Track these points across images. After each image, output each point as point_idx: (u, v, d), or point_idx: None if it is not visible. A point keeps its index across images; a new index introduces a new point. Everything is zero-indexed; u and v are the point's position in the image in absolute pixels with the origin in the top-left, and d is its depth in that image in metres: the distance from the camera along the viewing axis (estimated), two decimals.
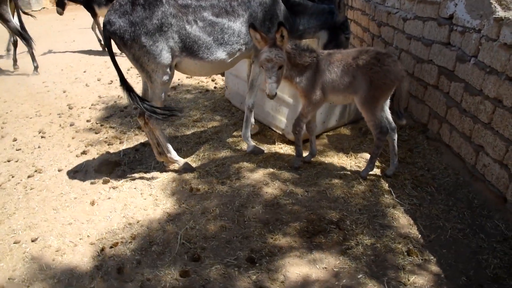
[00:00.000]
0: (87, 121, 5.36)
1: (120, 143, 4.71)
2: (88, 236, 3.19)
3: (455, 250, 2.77)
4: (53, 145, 4.77)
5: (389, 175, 3.62)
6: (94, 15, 9.19)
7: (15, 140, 4.92)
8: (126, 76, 3.93)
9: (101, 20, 9.29)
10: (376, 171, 3.75)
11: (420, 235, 2.91)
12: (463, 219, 3.06)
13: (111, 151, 4.53)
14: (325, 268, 2.66)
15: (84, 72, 7.46)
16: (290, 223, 3.12)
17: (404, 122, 3.57)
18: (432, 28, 4.07)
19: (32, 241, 3.17)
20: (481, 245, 2.80)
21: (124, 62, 5.45)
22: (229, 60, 3.66)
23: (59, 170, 4.19)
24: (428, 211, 3.16)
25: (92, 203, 3.59)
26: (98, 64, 8.05)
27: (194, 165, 4.07)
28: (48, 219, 3.43)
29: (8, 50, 8.82)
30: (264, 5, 3.67)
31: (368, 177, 3.65)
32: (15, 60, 8.00)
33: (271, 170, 3.86)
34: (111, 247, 3.04)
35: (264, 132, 4.63)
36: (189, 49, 3.41)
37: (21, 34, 7.53)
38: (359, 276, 2.58)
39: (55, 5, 9.99)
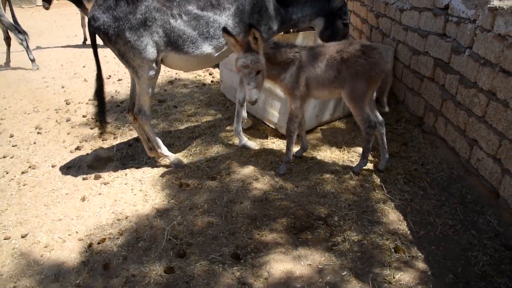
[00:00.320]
0: (83, 116, 5.37)
1: (114, 138, 4.70)
2: (76, 232, 3.19)
3: (444, 246, 2.70)
4: (49, 141, 4.79)
5: (381, 169, 3.56)
6: (84, 10, 9.16)
7: (11, 136, 4.95)
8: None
9: None
10: (369, 165, 3.68)
11: (409, 231, 2.85)
12: (455, 214, 2.99)
13: (105, 146, 4.53)
14: (310, 264, 2.62)
15: (84, 67, 7.46)
16: (278, 219, 3.08)
17: (387, 109, 3.49)
18: (428, 19, 3.96)
19: (22, 237, 3.18)
20: (471, 241, 2.73)
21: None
22: (216, 54, 3.61)
23: (52, 166, 4.20)
24: (419, 206, 3.10)
25: (83, 199, 3.59)
26: None
27: (185, 160, 4.04)
28: (39, 215, 3.44)
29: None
30: None
31: (360, 172, 3.58)
32: (8, 56, 8.05)
33: (262, 165, 3.82)
34: (98, 243, 3.04)
35: (257, 126, 4.58)
36: (174, 43, 3.36)
37: (16, 28, 7.55)
38: (343, 273, 2.53)
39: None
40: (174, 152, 4.17)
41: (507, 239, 2.69)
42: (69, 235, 3.17)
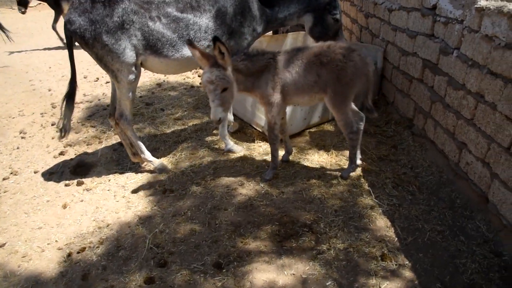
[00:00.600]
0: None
1: (99, 142, 4.60)
2: (56, 241, 3.10)
3: (432, 254, 2.62)
4: (32, 145, 4.68)
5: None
6: (61, 13, 9.03)
7: None
8: None
9: None
10: (357, 169, 3.60)
11: (396, 238, 2.77)
12: (443, 220, 2.92)
13: (89, 151, 4.43)
14: (293, 274, 2.54)
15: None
16: (262, 226, 2.99)
17: (376, 115, 3.45)
18: (416, 19, 3.89)
19: (0, 246, 3.09)
20: (460, 248, 2.65)
21: None
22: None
23: (35, 172, 4.10)
24: (407, 212, 3.02)
25: (64, 206, 3.49)
26: (86, 61, 7.92)
27: (170, 165, 3.95)
28: (18, 223, 3.34)
29: None
30: None
31: (348, 177, 3.50)
32: None
33: (248, 170, 3.73)
34: (78, 252, 2.95)
35: (245, 129, 4.49)
36: (153, 46, 3.27)
37: None
38: (327, 283, 2.45)
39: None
40: (159, 157, 4.08)
41: (496, 245, 2.62)
42: (48, 244, 3.08)
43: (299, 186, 3.42)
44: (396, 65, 4.38)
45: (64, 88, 6.43)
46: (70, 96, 3.60)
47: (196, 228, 3.04)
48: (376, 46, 4.84)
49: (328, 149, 3.96)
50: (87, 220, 3.30)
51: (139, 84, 6.41)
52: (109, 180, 3.81)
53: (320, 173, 3.59)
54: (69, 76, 3.68)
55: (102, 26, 3.05)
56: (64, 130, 3.74)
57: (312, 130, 4.41)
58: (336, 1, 3.75)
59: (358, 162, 3.53)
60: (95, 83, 6.69)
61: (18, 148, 4.63)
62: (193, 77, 6.65)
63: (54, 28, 9.41)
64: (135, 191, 3.60)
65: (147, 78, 6.64)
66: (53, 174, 4.03)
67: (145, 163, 3.90)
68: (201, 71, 6.64)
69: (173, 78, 6.63)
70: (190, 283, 2.56)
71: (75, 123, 5.17)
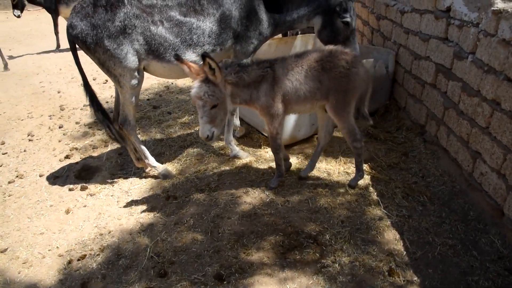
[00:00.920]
0: (76, 123, 5.26)
1: (105, 146, 4.58)
2: (57, 247, 3.07)
3: (442, 269, 2.50)
4: (39, 148, 4.68)
5: (304, 176, 3.52)
6: (57, 16, 9.07)
7: (3, 143, 4.85)
8: None
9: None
10: (366, 178, 3.48)
11: (405, 252, 2.64)
12: (455, 233, 2.78)
13: (95, 154, 4.40)
14: None
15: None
16: (266, 236, 2.90)
17: (371, 123, 3.37)
18: (429, 22, 3.75)
19: (2, 252, 3.07)
20: (472, 264, 2.52)
21: None
22: (201, 62, 3.43)
23: (40, 176, 4.09)
24: (417, 224, 2.89)
25: (67, 211, 3.46)
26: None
27: (174, 170, 3.89)
28: (21, 228, 3.32)
29: None
30: (239, 2, 3.38)
31: (356, 186, 3.39)
32: None
33: (253, 177, 3.65)
34: (78, 260, 2.91)
35: (251, 134, 4.41)
36: (155, 51, 3.20)
37: None
38: None
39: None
40: (164, 162, 4.03)
41: None
42: (49, 250, 3.05)
43: (305, 195, 3.32)
44: (408, 69, 4.24)
45: (73, 90, 6.52)
46: (94, 103, 3.55)
47: (198, 237, 2.96)
48: (388, 49, 4.70)
49: (336, 156, 3.84)
50: (89, 226, 3.26)
51: (147, 86, 6.44)
52: (113, 185, 3.77)
53: (327, 181, 3.48)
54: (78, 77, 3.64)
55: (103, 31, 3.00)
56: (116, 138, 3.71)
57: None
58: (347, 4, 3.54)
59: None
60: (103, 85, 6.69)
61: (25, 150, 4.63)
62: None
63: (56, 33, 9.50)
64: (138, 197, 3.55)
65: (155, 80, 6.60)
66: (57, 178, 4.01)
67: (149, 168, 3.84)
68: None
69: (181, 81, 6.59)
70: None
71: (82, 125, 5.17)
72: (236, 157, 3.92)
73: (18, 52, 9.67)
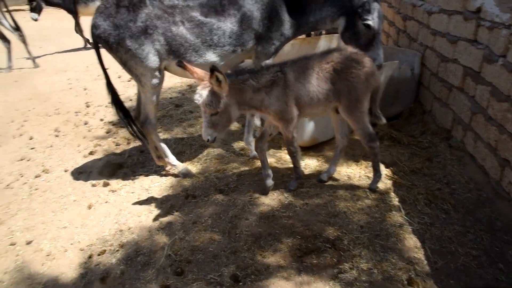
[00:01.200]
0: (101, 120, 5.39)
1: (127, 144, 4.66)
2: (79, 241, 3.14)
3: (465, 281, 2.41)
4: (65, 144, 4.81)
5: (323, 179, 3.48)
6: (77, 16, 9.22)
7: (31, 138, 5.02)
8: None
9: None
10: (388, 182, 3.41)
11: (426, 261, 2.56)
12: (480, 244, 2.68)
13: (118, 151, 4.50)
14: None
15: (107, 69, 7.53)
16: (283, 239, 2.88)
17: (384, 121, 3.29)
18: (458, 23, 3.63)
19: (27, 243, 3.17)
20: (498, 277, 2.42)
21: None
22: (222, 63, 3.44)
23: (65, 171, 4.21)
24: (440, 232, 2.80)
25: (89, 207, 3.54)
26: None
27: (194, 169, 3.92)
28: (46, 222, 3.42)
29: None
30: (260, 2, 3.35)
31: (377, 189, 3.32)
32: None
33: (273, 178, 3.60)
34: (98, 255, 2.97)
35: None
36: (176, 51, 3.23)
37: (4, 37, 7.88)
38: None
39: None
40: (184, 161, 4.07)
41: None
42: (71, 244, 3.12)
43: (325, 198, 3.28)
44: (435, 71, 4.12)
45: (98, 88, 6.67)
46: (115, 101, 3.62)
47: (215, 237, 2.97)
48: (414, 50, 4.58)
49: (358, 159, 3.77)
50: (109, 222, 3.32)
51: (170, 85, 6.52)
52: (134, 183, 3.84)
53: (348, 185, 3.43)
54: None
55: (126, 31, 3.06)
56: (138, 136, 3.79)
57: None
58: (371, 5, 3.40)
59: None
60: (128, 83, 6.82)
61: (51, 146, 4.77)
62: None
63: (77, 31, 9.68)
64: (158, 195, 3.59)
65: (178, 79, 6.67)
66: (81, 174, 4.11)
67: (170, 166, 3.89)
68: None
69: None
70: None
71: (106, 122, 5.29)
72: (255, 158, 3.91)
73: (48, 50, 9.99)
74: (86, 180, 3.98)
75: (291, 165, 3.77)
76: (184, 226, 3.14)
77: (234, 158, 4.06)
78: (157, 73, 3.27)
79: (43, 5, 9.28)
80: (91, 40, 3.92)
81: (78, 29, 9.75)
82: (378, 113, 3.25)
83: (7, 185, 4.05)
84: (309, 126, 3.89)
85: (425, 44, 4.38)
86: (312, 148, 4.06)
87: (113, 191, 3.74)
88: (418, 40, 4.57)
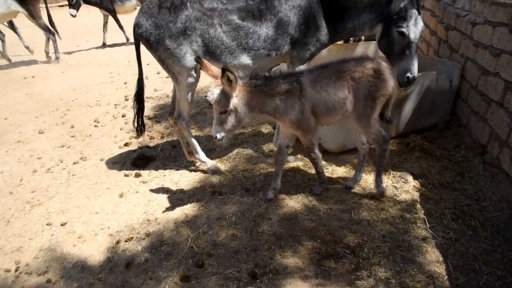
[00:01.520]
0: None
1: (161, 138, 4.84)
2: (109, 227, 3.31)
3: None
4: (103, 134, 5.06)
5: (349, 186, 3.49)
6: (115, 14, 9.57)
7: (72, 127, 5.32)
8: None
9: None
10: (415, 194, 3.35)
11: (446, 276, 2.51)
12: (507, 264, 2.58)
13: (151, 145, 4.67)
14: None
15: (148, 64, 7.82)
16: (304, 241, 2.91)
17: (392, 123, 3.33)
18: (503, 35, 3.50)
19: (61, 225, 3.38)
20: None
21: None
22: (255, 66, 3.50)
23: (101, 160, 4.43)
24: (464, 248, 2.73)
25: (121, 195, 3.72)
26: None
27: (223, 167, 4.01)
28: (80, 206, 3.63)
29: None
30: (298, 8, 3.39)
31: (402, 200, 3.28)
32: (47, 52, 8.90)
33: (299, 181, 3.66)
34: (126, 241, 3.12)
35: None
36: (212, 53, 3.33)
37: (49, 29, 8.47)
38: None
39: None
40: (214, 158, 4.17)
41: None
42: (101, 229, 3.30)
43: (349, 205, 3.27)
44: (474, 84, 3.99)
45: None
46: (138, 96, 3.79)
47: (237, 234, 3.04)
48: (454, 62, 4.46)
49: (386, 168, 3.72)
50: (138, 211, 3.47)
51: (206, 83, 6.67)
52: (164, 176, 3.98)
53: (374, 193, 3.39)
54: (144, 71, 3.90)
55: (165, 31, 3.19)
56: (139, 130, 3.95)
57: (373, 146, 4.17)
58: (407, 12, 3.29)
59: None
60: (166, 80, 7.05)
61: (90, 135, 5.03)
62: None
63: (121, 27, 10.10)
64: (186, 189, 3.71)
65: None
66: (116, 164, 4.31)
67: (200, 163, 4.00)
68: None
69: None
70: None
71: None
72: None
73: (94, 44, 10.50)
74: (119, 170, 4.18)
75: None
76: (208, 221, 3.23)
77: (262, 159, 4.12)
78: (193, 73, 3.39)
79: (81, 2, 9.82)
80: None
81: (118, 25, 10.20)
82: (389, 117, 3.27)
83: (48, 169, 4.32)
84: (338, 133, 3.88)
85: (466, 55, 4.26)
86: (340, 154, 4.05)
87: (144, 182, 3.90)
88: (460, 51, 4.44)
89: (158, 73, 7.31)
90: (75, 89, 6.77)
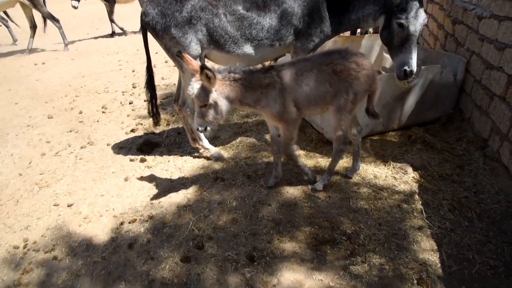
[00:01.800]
0: (145, 100, 5.69)
1: (167, 125, 4.92)
2: (113, 209, 3.41)
3: None
4: (110, 120, 5.16)
5: (349, 175, 3.54)
6: (113, 4, 9.59)
7: (80, 113, 5.42)
8: None
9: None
10: (414, 185, 3.39)
11: (439, 264, 2.57)
12: (500, 255, 2.63)
13: (157, 131, 4.76)
14: (321, 280, 2.50)
15: (156, 53, 7.90)
16: (301, 227, 2.98)
17: (381, 119, 3.39)
18: (508, 29, 3.50)
19: (68, 206, 3.49)
20: None
21: None
22: (258, 55, 3.55)
23: (107, 145, 4.53)
24: (459, 238, 2.78)
25: (126, 179, 3.81)
26: None
27: (226, 154, 4.09)
28: (86, 188, 3.74)
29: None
30: None
31: (401, 190, 3.33)
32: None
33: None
34: (129, 223, 3.22)
35: (304, 129, 4.46)
36: (216, 42, 3.39)
37: (53, 17, 8.61)
38: None
39: None
40: (218, 145, 4.25)
41: None
42: (106, 211, 3.40)
43: (348, 194, 3.33)
44: (478, 78, 4.00)
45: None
46: (149, 84, 3.86)
47: (237, 219, 3.12)
48: (459, 56, 4.45)
49: (387, 160, 3.77)
50: (142, 195, 3.57)
51: None
52: (169, 161, 4.07)
53: (373, 183, 3.45)
54: (152, 59, 3.96)
55: (172, 20, 3.26)
56: (155, 118, 4.02)
57: (375, 138, 4.23)
58: (407, 4, 3.28)
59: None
60: (174, 69, 7.12)
61: (98, 121, 5.14)
62: None
63: (112, 20, 10.10)
64: (189, 175, 3.80)
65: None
66: (122, 149, 4.41)
67: (203, 149, 4.08)
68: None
69: None
70: (221, 269, 2.66)
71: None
72: None
73: (104, 32, 10.59)
74: (125, 154, 4.27)
75: (320, 159, 3.85)
76: (209, 205, 3.32)
77: (265, 147, 4.19)
78: (198, 61, 3.45)
79: None
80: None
81: (110, 17, 10.22)
82: (375, 112, 3.27)
83: (56, 153, 4.43)
84: None
85: (472, 49, 4.25)
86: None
87: (148, 167, 3.99)
88: (466, 45, 4.44)
89: (166, 62, 7.39)
90: (84, 76, 6.87)
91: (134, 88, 6.22)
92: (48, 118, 5.35)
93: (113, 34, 10.38)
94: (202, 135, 3.93)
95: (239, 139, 4.42)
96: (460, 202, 3.12)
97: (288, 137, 3.17)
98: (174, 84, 6.30)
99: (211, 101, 2.86)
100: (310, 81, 2.99)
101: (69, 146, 4.56)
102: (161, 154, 4.21)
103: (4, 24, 9.34)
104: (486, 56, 3.89)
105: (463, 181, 3.39)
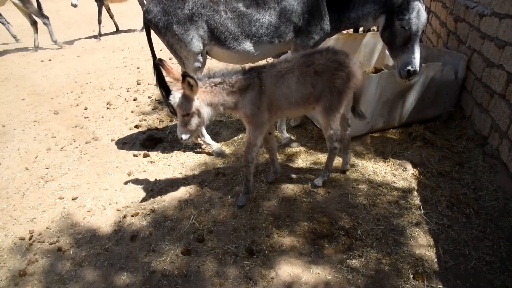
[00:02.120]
0: (149, 97, 5.76)
1: (170, 121, 4.98)
2: (116, 203, 3.48)
3: (472, 284, 2.43)
4: (114, 116, 5.23)
5: (344, 169, 3.60)
6: (102, 4, 9.50)
7: (86, 109, 5.50)
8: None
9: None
10: (412, 182, 3.43)
11: (436, 259, 2.60)
12: (496, 251, 2.66)
13: (160, 127, 4.82)
14: (318, 273, 2.55)
15: (161, 50, 7.95)
16: (300, 222, 3.03)
17: (368, 120, 3.38)
18: (508, 27, 3.51)
19: (73, 199, 3.56)
20: (508, 284, 2.41)
21: None
22: (259, 52, 3.59)
23: (111, 140, 4.60)
24: (456, 234, 2.81)
25: (129, 174, 3.88)
26: None
27: (228, 150, 4.14)
28: (90, 182, 3.81)
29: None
30: None
31: (400, 187, 3.36)
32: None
33: (300, 165, 3.76)
34: (132, 216, 3.28)
35: (306, 125, 4.50)
36: (217, 38, 3.44)
37: (42, 14, 8.57)
38: None
39: None
40: (220, 141, 4.30)
41: None
42: (109, 204, 3.47)
43: (347, 189, 3.37)
44: (479, 76, 4.01)
45: (150, 67, 7.08)
46: (159, 80, 3.91)
47: (237, 213, 3.18)
48: (461, 54, 4.46)
49: (386, 156, 3.80)
50: (145, 189, 3.63)
51: (212, 67, 6.78)
52: (171, 157, 4.13)
53: (372, 180, 3.48)
54: (157, 56, 4.00)
55: (173, 17, 3.31)
56: (173, 112, 4.04)
57: (375, 135, 4.26)
58: (409, 4, 3.29)
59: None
60: (178, 66, 7.16)
61: (102, 117, 5.21)
62: None
63: (100, 21, 10.00)
64: (191, 170, 3.86)
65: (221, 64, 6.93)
66: (126, 144, 4.48)
67: (205, 145, 4.13)
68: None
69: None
70: (221, 262, 2.72)
71: (153, 100, 5.65)
72: (287, 145, 4.06)
73: (109, 29, 10.67)
74: (129, 150, 4.34)
75: (320, 155, 3.89)
76: (210, 200, 3.38)
77: None
78: (199, 57, 3.50)
79: None
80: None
81: (98, 18, 10.06)
82: (361, 111, 3.23)
83: (61, 148, 4.51)
84: None
85: (473, 47, 4.26)
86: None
87: (151, 162, 4.06)
88: (467, 43, 4.44)
89: (170, 59, 7.43)
90: (89, 73, 6.95)
91: (139, 84, 6.28)
92: (54, 114, 5.43)
93: (117, 31, 10.45)
94: (205, 131, 3.98)
95: (240, 135, 4.47)
96: (458, 198, 3.15)
97: (251, 141, 3.09)
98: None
99: (193, 109, 2.83)
100: (291, 82, 2.93)
101: (74, 141, 4.63)
102: (164, 150, 4.28)
103: (0, 22, 9.40)
104: (486, 54, 3.90)
105: (462, 178, 3.42)
